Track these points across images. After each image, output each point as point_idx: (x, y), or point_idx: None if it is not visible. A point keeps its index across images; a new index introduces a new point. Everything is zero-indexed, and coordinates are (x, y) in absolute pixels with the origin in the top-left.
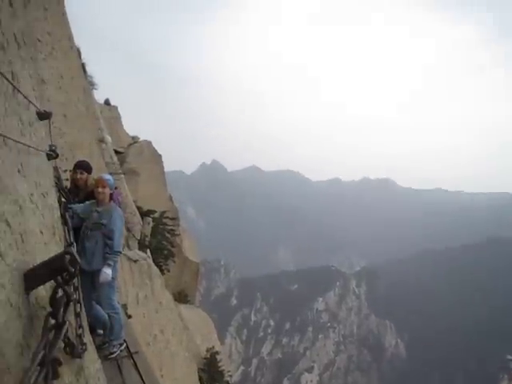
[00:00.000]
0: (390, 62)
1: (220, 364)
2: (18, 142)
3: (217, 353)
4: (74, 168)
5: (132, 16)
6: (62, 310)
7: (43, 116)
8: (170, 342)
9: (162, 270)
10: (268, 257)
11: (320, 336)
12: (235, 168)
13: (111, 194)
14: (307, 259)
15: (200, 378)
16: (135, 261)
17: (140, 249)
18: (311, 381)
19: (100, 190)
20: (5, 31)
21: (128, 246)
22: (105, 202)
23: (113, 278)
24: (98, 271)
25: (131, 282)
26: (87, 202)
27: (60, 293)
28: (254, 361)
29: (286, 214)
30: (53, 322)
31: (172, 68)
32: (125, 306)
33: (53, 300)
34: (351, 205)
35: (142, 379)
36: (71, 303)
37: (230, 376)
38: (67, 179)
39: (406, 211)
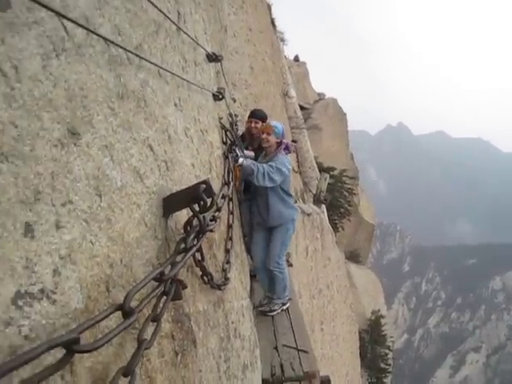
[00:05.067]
0: None
1: (384, 328)
2: (174, 74)
3: (382, 316)
4: (248, 116)
5: None
6: (192, 236)
7: (212, 58)
8: (335, 298)
9: (335, 227)
10: (446, 227)
11: (492, 316)
12: (421, 132)
13: (279, 143)
14: (488, 235)
15: (361, 339)
16: (308, 214)
17: (315, 203)
18: (477, 361)
19: (264, 136)
20: None
21: (303, 200)
22: (271, 150)
23: (289, 236)
24: (274, 227)
25: (302, 234)
26: (259, 157)
27: (195, 221)
28: (420, 331)
29: (470, 184)
30: (183, 246)
31: (368, 32)
32: (288, 254)
33: (186, 226)
34: None
35: (292, 325)
36: (210, 234)
37: (393, 342)
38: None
39: None
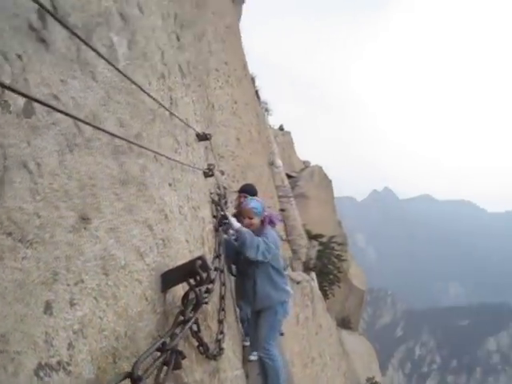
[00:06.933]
0: None
1: None
2: (169, 158)
3: (377, 383)
4: (238, 192)
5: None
6: (190, 309)
7: (202, 137)
8: (328, 366)
9: (326, 294)
10: (438, 290)
11: (490, 379)
12: (407, 196)
13: (263, 220)
14: (479, 295)
15: None
16: (298, 282)
17: (304, 271)
18: None
19: (247, 221)
20: (167, 62)
21: (292, 268)
22: (256, 232)
23: (279, 320)
24: (261, 310)
25: (293, 302)
26: None
27: (192, 294)
28: None
29: (458, 246)
30: (181, 318)
31: (342, 93)
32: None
33: (184, 299)
34: None
35: None
36: (204, 306)
37: None
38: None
39: None
